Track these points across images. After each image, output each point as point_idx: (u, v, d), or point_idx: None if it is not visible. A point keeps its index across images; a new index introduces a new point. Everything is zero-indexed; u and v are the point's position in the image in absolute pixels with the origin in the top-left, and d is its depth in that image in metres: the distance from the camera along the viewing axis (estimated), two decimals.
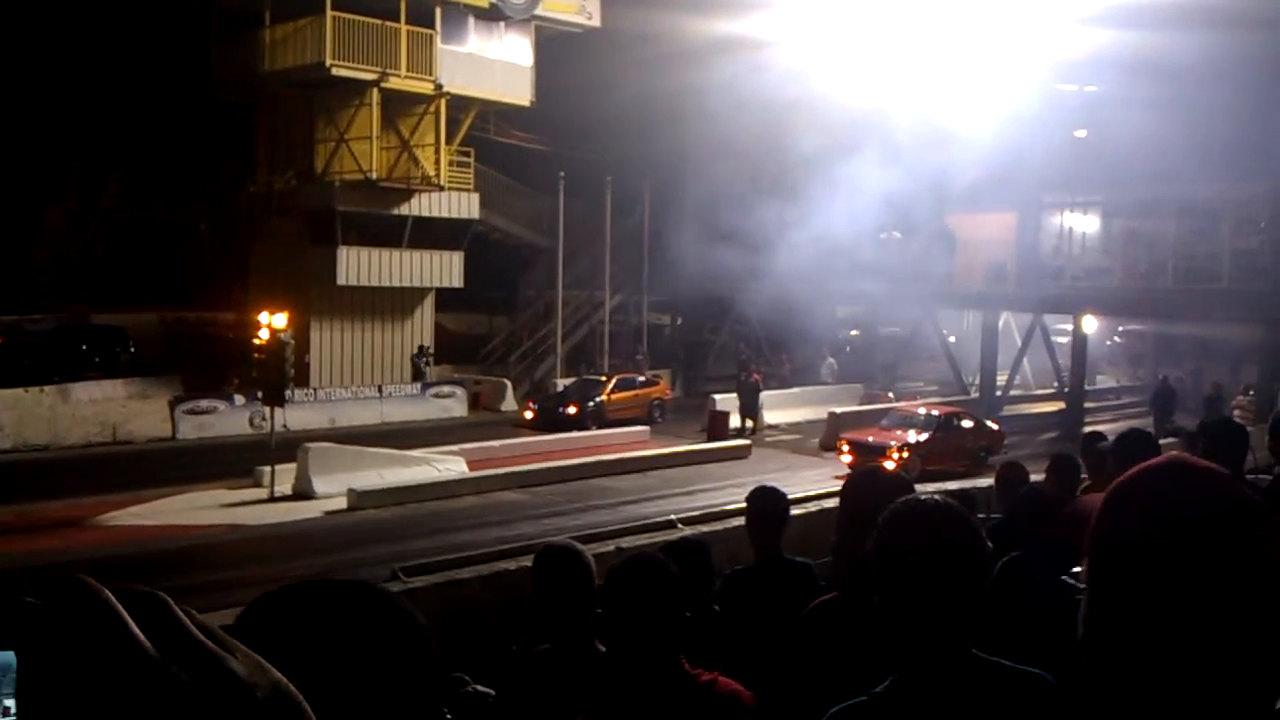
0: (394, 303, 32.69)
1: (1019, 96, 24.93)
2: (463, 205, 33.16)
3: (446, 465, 21.26)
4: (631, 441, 25.52)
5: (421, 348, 32.55)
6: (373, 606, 1.30)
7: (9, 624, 0.69)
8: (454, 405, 30.92)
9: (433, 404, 30.51)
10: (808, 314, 31.24)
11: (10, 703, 0.70)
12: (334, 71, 29.85)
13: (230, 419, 26.92)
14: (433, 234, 32.63)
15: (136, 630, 0.64)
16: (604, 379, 30.38)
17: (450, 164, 32.61)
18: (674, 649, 2.64)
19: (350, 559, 14.26)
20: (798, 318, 31.25)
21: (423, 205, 32.40)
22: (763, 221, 27.69)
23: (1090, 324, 31.96)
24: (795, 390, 32.20)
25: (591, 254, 35.11)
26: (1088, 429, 13.45)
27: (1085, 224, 30.99)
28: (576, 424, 27.74)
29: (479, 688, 3.66)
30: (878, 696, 2.09)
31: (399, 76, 30.85)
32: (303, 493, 19.29)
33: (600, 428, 27.59)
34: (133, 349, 30.81)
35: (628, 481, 20.58)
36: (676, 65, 28.70)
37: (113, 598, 0.65)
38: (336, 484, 19.19)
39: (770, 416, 29.17)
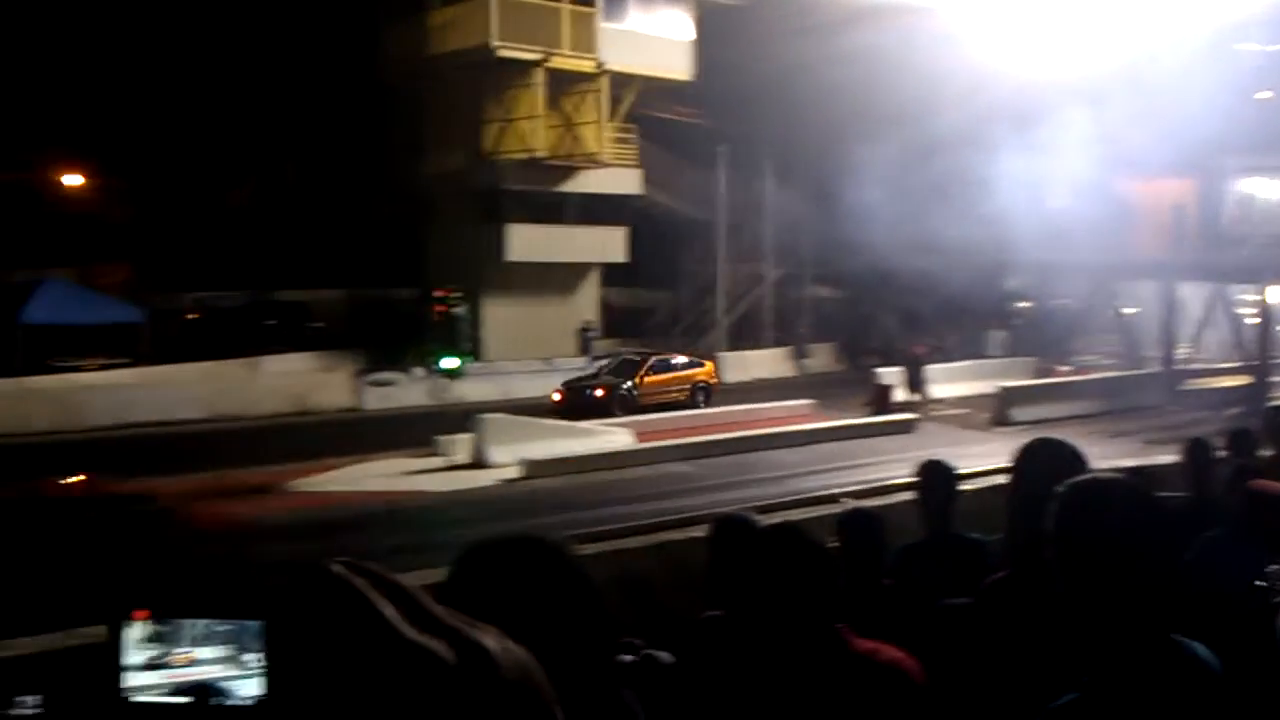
0: (560, 278, 33.43)
1: (1195, 57, 23.86)
2: (625, 181, 33.63)
3: (615, 437, 21.76)
4: (796, 415, 25.56)
5: (587, 322, 33.23)
6: (554, 560, 1.44)
7: (260, 601, 0.89)
8: None
9: None
10: (975, 286, 30.59)
11: (249, 656, 0.89)
12: (499, 53, 30.63)
13: (410, 390, 28.16)
14: (597, 210, 33.24)
15: (390, 611, 0.67)
16: (641, 359, 28.64)
17: (612, 140, 33.08)
18: (826, 617, 2.59)
19: (525, 526, 14.79)
20: (965, 290, 30.65)
21: (587, 182, 33.00)
22: (928, 192, 27.27)
23: (1277, 294, 30.42)
24: (963, 364, 31.62)
25: (754, 227, 35.13)
26: (1273, 404, 12.96)
27: (1271, 189, 29.46)
28: (603, 409, 25.86)
29: (655, 652, 3.79)
30: (1087, 691, 2.01)
31: (562, 55, 31.43)
32: (478, 462, 19.96)
33: (630, 413, 25.40)
34: (317, 324, 32.41)
35: (793, 455, 20.66)
36: (838, 33, 28.44)
37: (362, 582, 0.68)
38: (510, 453, 19.82)
39: (937, 390, 28.76)
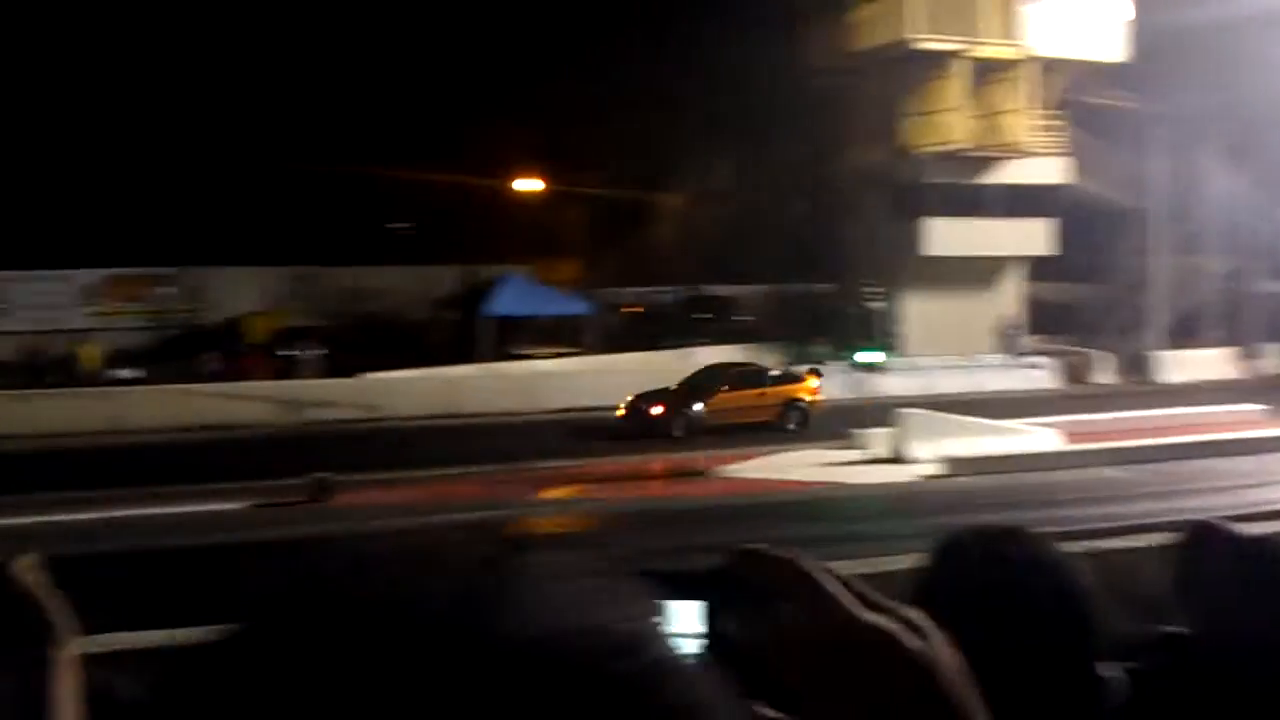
0: (983, 272, 32.78)
1: None
2: (1052, 171, 32.42)
3: (1040, 437, 21.17)
4: (1244, 421, 23.63)
5: (1011, 317, 32.38)
6: (1041, 553, 1.43)
7: (701, 582, 0.99)
8: (1046, 376, 30.47)
9: (1024, 374, 30.30)
10: None
11: (688, 635, 0.95)
12: (917, 45, 30.54)
13: (831, 383, 28.68)
14: (1021, 201, 32.28)
15: (837, 591, 0.69)
16: (728, 370, 25.56)
17: (1039, 128, 32.00)
18: None
19: (949, 523, 14.80)
20: None
21: (1010, 173, 32.14)
22: None
23: None
24: None
25: (1197, 216, 32.69)
26: None
27: None
28: (660, 430, 23.03)
29: (1108, 665, 3.84)
30: None
31: (982, 44, 30.84)
32: (898, 456, 20.05)
33: (695, 435, 22.85)
34: (744, 317, 34.01)
35: (1241, 464, 19.14)
36: None
37: (809, 565, 0.70)
38: (930, 450, 19.77)
39: None
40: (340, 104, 33.28)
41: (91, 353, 29.66)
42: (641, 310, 34.37)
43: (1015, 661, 1.29)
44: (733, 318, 34.01)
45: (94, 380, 27.60)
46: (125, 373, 28.28)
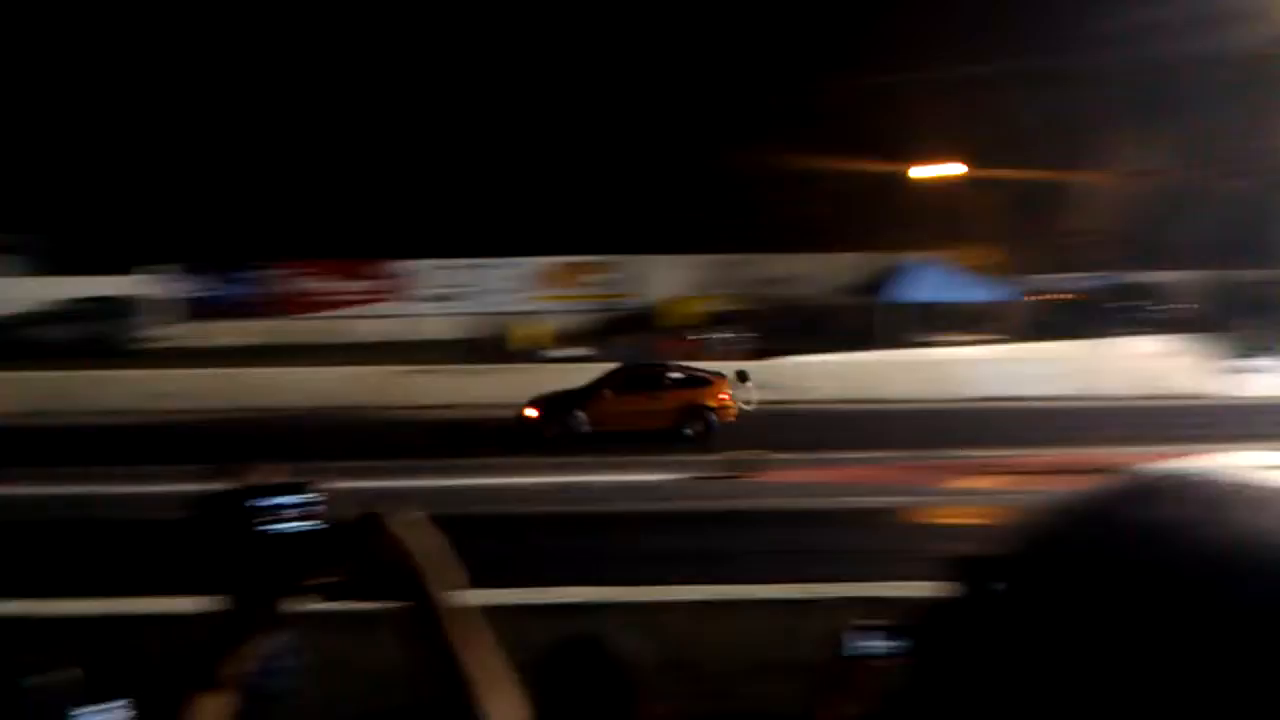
0: None
1: None
2: None
3: None
4: None
5: None
6: None
7: None
8: None
9: None
10: None
11: None
12: None
13: (1274, 380, 26.67)
14: None
15: None
16: (636, 368, 22.53)
17: None
18: None
19: None
20: None
21: None
22: None
23: None
24: None
25: None
26: None
27: None
28: (532, 435, 20.88)
29: None
30: None
31: None
32: None
33: (577, 444, 20.21)
34: (1175, 305, 32.15)
35: None
36: None
37: None
38: None
39: None
40: (755, 102, 34.96)
41: (537, 332, 32.84)
42: (1062, 298, 33.37)
43: None
44: (1161, 306, 32.25)
45: (539, 358, 30.56)
46: (571, 351, 30.84)
